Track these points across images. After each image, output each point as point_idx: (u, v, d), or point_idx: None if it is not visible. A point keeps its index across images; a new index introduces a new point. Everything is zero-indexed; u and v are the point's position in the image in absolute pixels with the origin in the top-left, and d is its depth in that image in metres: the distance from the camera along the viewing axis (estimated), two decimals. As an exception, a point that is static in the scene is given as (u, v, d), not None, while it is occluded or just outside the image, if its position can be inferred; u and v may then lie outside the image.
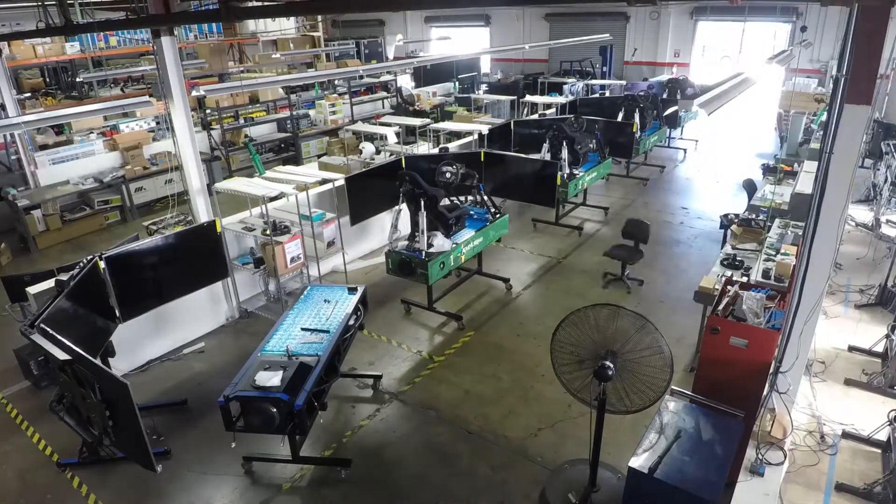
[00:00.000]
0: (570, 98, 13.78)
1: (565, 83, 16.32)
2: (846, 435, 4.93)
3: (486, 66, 22.19)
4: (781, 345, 3.78)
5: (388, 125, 11.43)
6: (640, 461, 3.52)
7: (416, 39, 22.72)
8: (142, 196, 10.80)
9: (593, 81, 16.51)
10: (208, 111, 12.85)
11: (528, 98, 13.75)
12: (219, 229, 6.14)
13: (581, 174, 9.29)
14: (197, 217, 6.76)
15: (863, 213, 8.81)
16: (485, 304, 7.42)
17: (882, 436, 4.77)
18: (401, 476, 4.81)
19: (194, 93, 7.67)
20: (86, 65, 15.06)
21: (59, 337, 3.89)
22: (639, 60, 19.28)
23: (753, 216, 6.98)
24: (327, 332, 4.96)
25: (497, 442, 5.12)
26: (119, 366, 5.62)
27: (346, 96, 15.03)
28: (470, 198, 7.81)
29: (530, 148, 9.99)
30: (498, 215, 7.49)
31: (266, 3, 7.65)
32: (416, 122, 11.93)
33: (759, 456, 3.56)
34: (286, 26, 19.87)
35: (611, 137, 10.81)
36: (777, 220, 6.71)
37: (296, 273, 6.94)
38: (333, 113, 14.14)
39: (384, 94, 16.67)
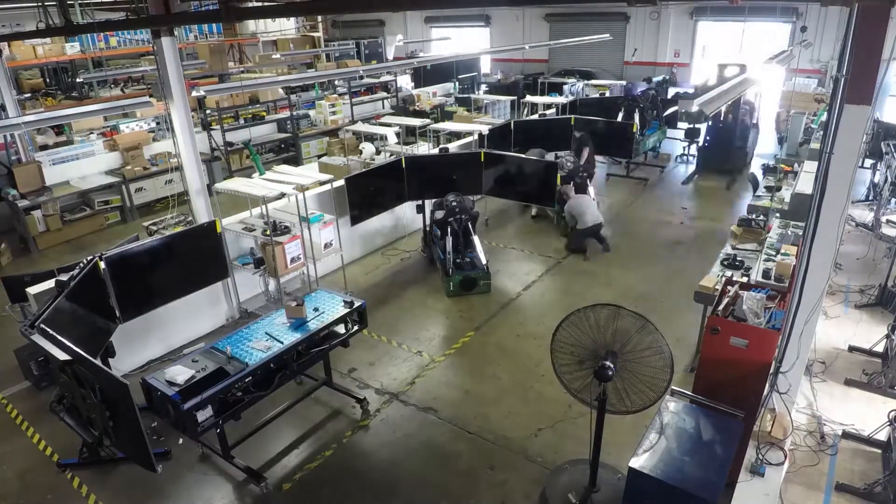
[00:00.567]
0: (571, 98, 13.78)
1: (565, 83, 16.32)
2: (846, 435, 4.93)
3: (486, 66, 22.20)
4: (781, 345, 3.78)
5: (388, 125, 11.43)
6: (640, 461, 3.52)
7: (416, 40, 22.73)
8: (142, 196, 10.79)
9: (594, 82, 16.52)
10: (208, 111, 12.85)
11: (530, 98, 13.75)
12: (219, 230, 6.14)
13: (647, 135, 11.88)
14: (197, 217, 6.76)
15: (861, 213, 8.82)
16: (484, 305, 7.42)
17: (882, 436, 4.77)
18: (401, 476, 4.81)
19: (194, 93, 7.69)
20: (86, 65, 15.07)
21: (60, 337, 3.89)
22: (639, 60, 19.29)
23: (753, 216, 6.98)
24: (281, 343, 4.71)
25: (497, 442, 5.11)
26: (119, 366, 5.62)
27: (346, 97, 15.03)
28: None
29: (543, 145, 10.35)
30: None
31: (266, 4, 7.66)
32: (416, 122, 11.94)
33: (760, 456, 3.56)
34: (286, 27, 19.89)
35: (610, 138, 10.86)
36: (777, 221, 6.72)
37: (296, 273, 6.95)
38: (333, 113, 14.14)
39: (384, 94, 16.68)
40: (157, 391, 4.18)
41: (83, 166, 10.61)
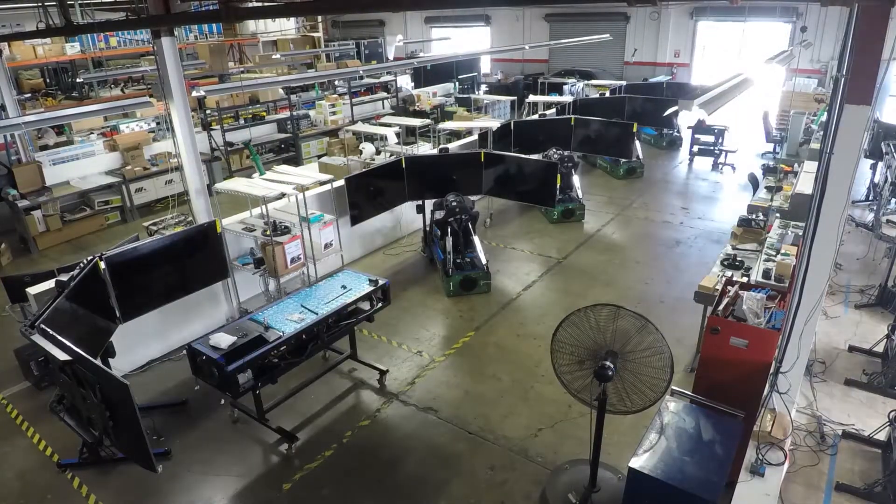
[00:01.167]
0: (571, 98, 13.78)
1: (565, 83, 16.32)
2: (846, 435, 4.93)
3: (486, 66, 22.20)
4: (781, 345, 3.78)
5: (388, 125, 11.43)
6: (640, 461, 3.52)
7: (416, 40, 22.72)
8: (142, 196, 10.80)
9: (594, 82, 16.51)
10: (208, 111, 12.85)
11: (532, 98, 13.75)
12: (219, 230, 6.14)
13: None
14: (197, 217, 6.76)
15: (861, 213, 8.82)
16: (484, 305, 7.42)
17: (882, 436, 4.77)
18: (401, 476, 4.81)
19: (194, 93, 7.68)
20: (86, 65, 15.07)
21: (60, 337, 3.89)
22: (639, 61, 19.28)
23: (753, 216, 6.98)
24: (315, 314, 5.20)
25: (497, 442, 5.12)
26: (119, 366, 5.62)
27: (346, 97, 15.03)
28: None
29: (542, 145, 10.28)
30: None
31: (266, 4, 7.66)
32: (417, 122, 11.93)
33: (760, 456, 3.55)
34: (286, 27, 19.90)
35: (610, 137, 10.89)
36: (777, 221, 6.72)
37: (296, 274, 6.94)
38: (333, 113, 14.14)
39: (384, 94, 16.68)
40: (203, 355, 4.63)
41: (83, 166, 10.61)
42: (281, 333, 4.89)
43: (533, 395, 5.69)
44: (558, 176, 8.40)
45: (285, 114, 13.86)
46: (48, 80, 16.90)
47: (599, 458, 4.21)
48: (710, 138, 12.85)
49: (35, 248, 9.47)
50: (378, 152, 10.85)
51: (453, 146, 10.53)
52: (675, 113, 12.37)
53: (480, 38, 22.85)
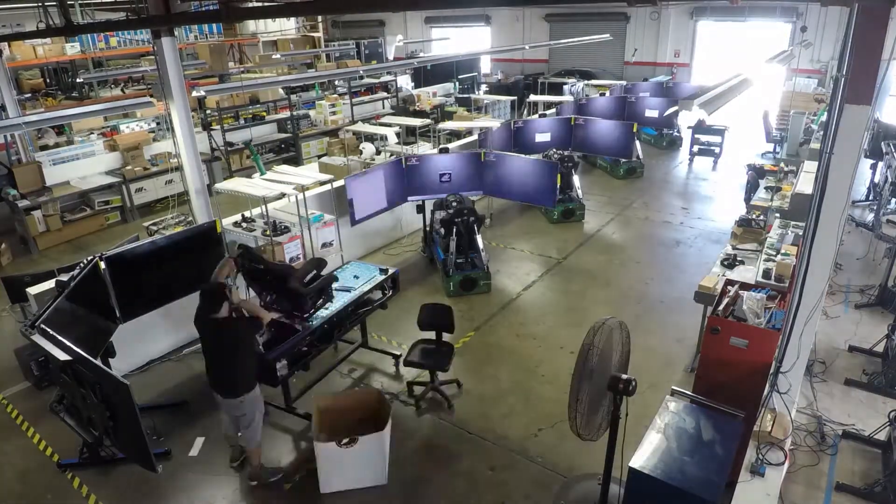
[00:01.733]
0: (571, 98, 13.79)
1: (565, 83, 16.32)
2: (846, 435, 4.93)
3: (486, 66, 22.20)
4: (782, 345, 3.78)
5: (389, 125, 11.43)
6: (640, 461, 3.51)
7: (416, 40, 22.73)
8: (142, 196, 10.79)
9: (594, 82, 16.52)
10: (208, 111, 12.85)
11: (533, 98, 13.73)
12: (219, 230, 6.14)
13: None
14: (197, 217, 6.76)
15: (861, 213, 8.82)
16: (485, 305, 7.42)
17: (882, 436, 4.77)
18: (401, 477, 4.80)
19: (194, 93, 7.68)
20: (86, 65, 15.07)
21: (60, 337, 3.89)
22: (639, 61, 19.28)
23: (753, 216, 6.97)
24: (349, 291, 5.60)
25: (497, 442, 5.11)
26: (119, 366, 5.61)
27: (347, 97, 15.03)
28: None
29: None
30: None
31: (266, 4, 7.66)
32: (417, 122, 11.93)
33: (760, 456, 3.55)
34: (286, 27, 19.91)
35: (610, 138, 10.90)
36: (777, 221, 6.72)
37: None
38: (333, 113, 14.13)
39: (384, 94, 16.68)
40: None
41: (83, 166, 10.60)
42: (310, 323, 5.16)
43: (533, 395, 5.69)
44: (559, 176, 8.42)
45: (285, 114, 13.85)
46: (48, 80, 16.90)
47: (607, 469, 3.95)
48: (709, 138, 12.86)
49: (35, 248, 9.47)
50: (378, 152, 10.85)
51: (453, 146, 10.53)
52: (676, 113, 12.40)
53: (480, 38, 22.85)
